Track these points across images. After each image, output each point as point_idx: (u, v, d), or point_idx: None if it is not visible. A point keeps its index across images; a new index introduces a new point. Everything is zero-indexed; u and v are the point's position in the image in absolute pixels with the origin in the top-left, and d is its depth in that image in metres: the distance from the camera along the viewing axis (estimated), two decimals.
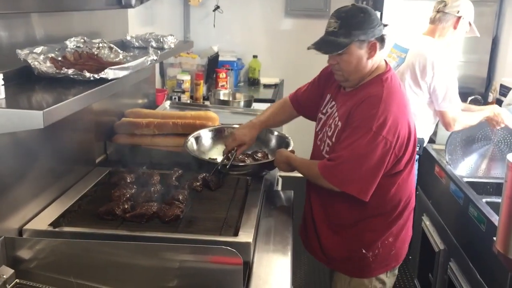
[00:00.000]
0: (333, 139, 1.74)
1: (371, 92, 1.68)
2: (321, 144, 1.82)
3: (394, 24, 3.50)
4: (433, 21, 2.65)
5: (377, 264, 1.80)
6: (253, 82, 4.26)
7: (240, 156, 2.01)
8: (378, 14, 3.56)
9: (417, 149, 1.81)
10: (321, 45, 1.70)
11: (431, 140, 2.85)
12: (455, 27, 2.60)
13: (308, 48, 1.70)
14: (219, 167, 1.90)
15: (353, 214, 1.76)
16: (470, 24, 2.66)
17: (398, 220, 1.80)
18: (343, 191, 1.67)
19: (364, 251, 1.77)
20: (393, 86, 1.72)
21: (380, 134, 1.62)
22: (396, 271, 1.90)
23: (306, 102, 2.03)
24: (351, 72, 1.72)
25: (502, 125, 2.53)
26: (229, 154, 1.97)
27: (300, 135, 3.74)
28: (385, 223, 1.78)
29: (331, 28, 1.68)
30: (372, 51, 1.69)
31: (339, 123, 1.73)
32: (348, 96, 1.76)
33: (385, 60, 1.80)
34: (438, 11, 2.62)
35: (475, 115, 2.57)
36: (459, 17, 2.58)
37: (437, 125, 2.75)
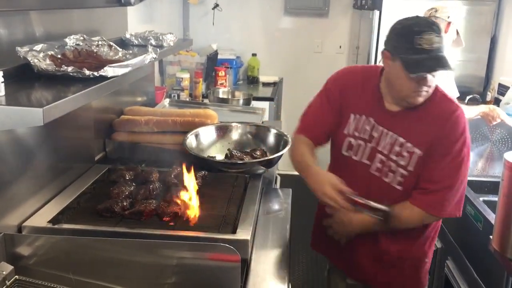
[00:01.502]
0: (411, 168, 1.63)
1: (452, 110, 1.62)
2: (387, 175, 1.67)
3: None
4: None
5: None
6: (252, 80, 4.27)
7: (239, 154, 2.02)
8: (377, 13, 3.57)
9: None
10: (447, 63, 1.53)
11: None
12: (446, 31, 2.70)
13: (436, 70, 1.53)
14: None
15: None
16: (457, 33, 2.73)
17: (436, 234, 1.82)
18: (448, 217, 1.68)
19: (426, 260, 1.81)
20: (451, 96, 1.70)
21: (469, 148, 1.64)
22: None
23: (323, 131, 1.80)
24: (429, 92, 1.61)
25: (498, 120, 2.56)
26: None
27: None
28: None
29: (440, 43, 1.52)
30: None
31: (416, 150, 1.62)
32: (411, 117, 1.63)
33: None
34: (429, 16, 2.71)
35: (472, 108, 2.64)
36: (449, 23, 2.68)
37: None
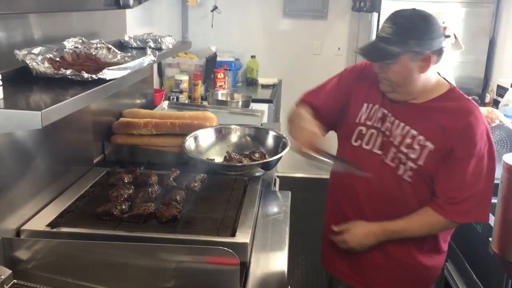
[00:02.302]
0: (421, 162, 1.57)
1: (474, 112, 1.57)
2: (397, 166, 1.61)
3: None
4: None
5: None
6: (251, 82, 4.27)
7: (237, 157, 2.01)
8: (376, 15, 3.57)
9: None
10: (369, 51, 1.58)
11: None
12: None
13: (355, 52, 1.61)
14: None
15: None
16: (455, 37, 2.73)
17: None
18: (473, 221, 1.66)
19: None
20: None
21: (493, 150, 1.58)
22: None
23: (328, 111, 1.77)
24: (400, 85, 1.58)
25: (497, 122, 2.56)
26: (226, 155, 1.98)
27: None
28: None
29: (384, 33, 1.53)
30: (426, 64, 1.55)
31: (430, 144, 1.56)
32: (422, 111, 1.60)
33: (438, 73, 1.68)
34: None
35: None
36: (445, 28, 2.67)
37: None
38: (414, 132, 1.59)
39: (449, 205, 1.57)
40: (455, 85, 2.55)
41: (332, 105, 1.78)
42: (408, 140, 1.59)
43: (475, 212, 1.60)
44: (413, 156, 1.58)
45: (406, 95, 1.62)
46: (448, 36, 1.61)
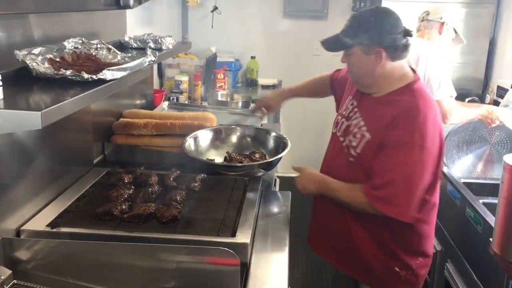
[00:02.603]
0: (359, 150, 1.66)
1: (407, 104, 1.59)
2: (348, 152, 1.72)
3: None
4: (418, 29, 2.77)
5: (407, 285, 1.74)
6: (251, 83, 4.27)
7: (238, 157, 2.01)
8: None
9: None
10: (327, 41, 1.71)
11: None
12: (440, 33, 2.71)
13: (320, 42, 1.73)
14: None
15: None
16: (455, 32, 2.73)
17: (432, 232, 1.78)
18: (393, 217, 1.59)
19: (397, 269, 1.71)
20: (426, 94, 1.66)
21: (424, 147, 1.56)
22: None
23: (340, 87, 2.02)
24: (359, 76, 1.72)
25: (498, 122, 2.55)
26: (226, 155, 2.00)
27: (298, 137, 3.76)
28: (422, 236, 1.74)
29: (344, 27, 1.68)
30: (378, 59, 1.62)
31: (368, 135, 1.64)
32: (375, 104, 1.68)
33: (412, 68, 1.73)
34: (422, 20, 2.74)
35: (471, 109, 2.62)
36: (443, 23, 2.68)
37: None
38: (362, 123, 1.70)
39: (371, 189, 1.61)
40: (453, 87, 2.56)
41: (338, 87, 2.05)
42: (355, 130, 1.71)
43: (392, 204, 1.57)
44: (354, 144, 1.70)
45: (367, 87, 1.73)
46: (410, 35, 1.63)
